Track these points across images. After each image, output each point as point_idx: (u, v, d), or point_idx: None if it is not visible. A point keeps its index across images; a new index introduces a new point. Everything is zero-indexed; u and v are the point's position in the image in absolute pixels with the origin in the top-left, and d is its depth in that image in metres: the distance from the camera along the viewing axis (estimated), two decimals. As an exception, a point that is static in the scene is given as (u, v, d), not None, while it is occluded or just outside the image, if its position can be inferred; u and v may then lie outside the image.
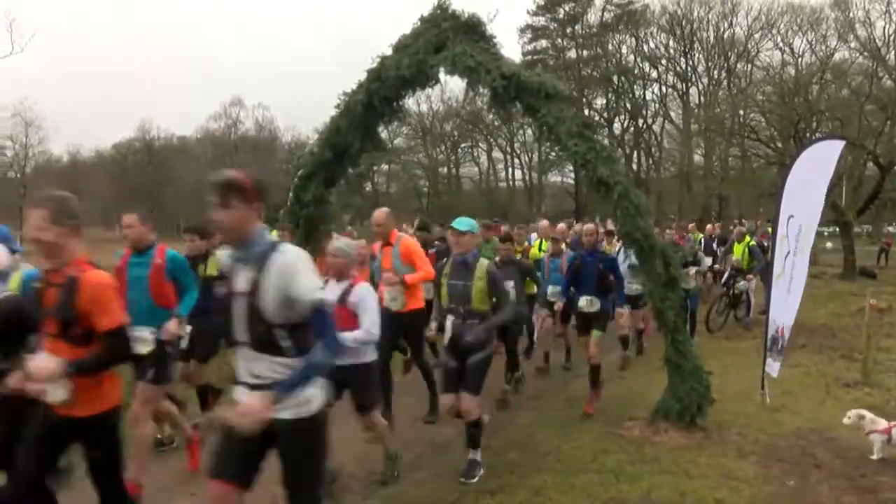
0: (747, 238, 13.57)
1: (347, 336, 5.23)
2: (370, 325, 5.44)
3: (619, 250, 10.55)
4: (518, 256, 10.05)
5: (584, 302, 7.99)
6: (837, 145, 8.38)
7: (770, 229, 9.91)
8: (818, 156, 7.92)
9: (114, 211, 70.41)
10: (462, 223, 5.90)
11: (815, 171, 7.81)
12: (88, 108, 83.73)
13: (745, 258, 13.16)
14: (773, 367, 7.81)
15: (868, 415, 6.32)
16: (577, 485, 5.56)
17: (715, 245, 16.03)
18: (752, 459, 6.16)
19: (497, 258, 8.45)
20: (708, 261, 14.96)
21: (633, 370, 9.77)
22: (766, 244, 14.11)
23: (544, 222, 12.88)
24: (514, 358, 8.77)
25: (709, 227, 17.85)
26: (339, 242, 5.74)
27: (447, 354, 5.97)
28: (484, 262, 5.86)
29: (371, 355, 5.62)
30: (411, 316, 7.16)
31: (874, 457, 6.12)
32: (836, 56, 40.08)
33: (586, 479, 5.67)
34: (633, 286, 10.00)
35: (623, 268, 9.61)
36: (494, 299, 5.87)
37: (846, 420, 6.40)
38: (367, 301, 5.50)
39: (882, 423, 6.20)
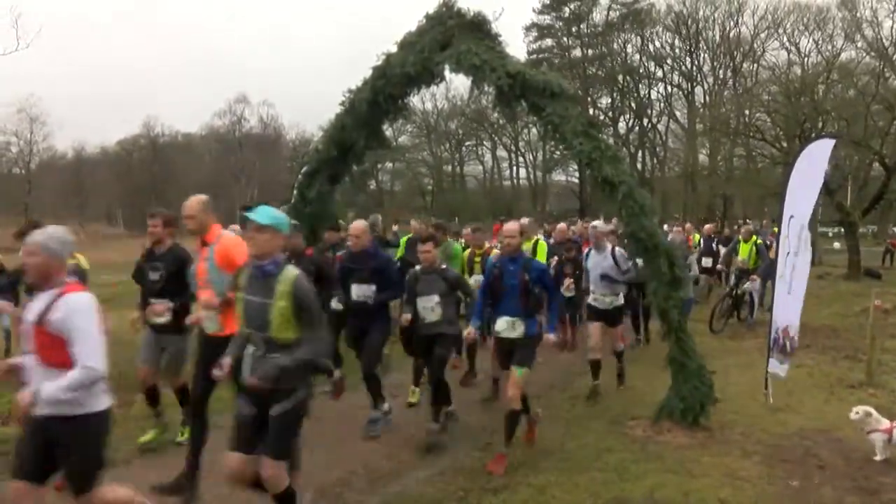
0: (754, 237, 13.46)
1: (53, 388, 3.66)
2: (87, 356, 3.72)
3: (588, 251, 9.09)
4: (477, 261, 9.35)
5: (502, 324, 6.22)
6: (828, 144, 8.48)
7: (776, 229, 9.81)
8: (814, 154, 7.99)
9: (118, 208, 70.74)
10: (263, 214, 4.23)
11: (811, 170, 7.88)
12: (92, 103, 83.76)
13: (751, 258, 13.04)
14: (780, 368, 7.79)
15: (875, 413, 6.31)
16: (580, 483, 5.56)
17: (715, 245, 15.86)
18: (755, 459, 6.15)
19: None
20: (707, 262, 14.84)
21: (636, 370, 9.72)
22: (768, 243, 14.01)
23: (523, 220, 11.12)
24: (444, 391, 6.97)
25: (707, 226, 17.57)
26: (36, 234, 3.91)
27: (242, 398, 4.39)
28: (291, 273, 4.22)
29: (96, 403, 3.89)
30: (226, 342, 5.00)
31: (877, 458, 6.10)
32: (843, 56, 39.99)
33: (590, 478, 5.67)
34: (606, 298, 8.53)
35: (611, 273, 8.52)
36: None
37: (853, 415, 6.36)
38: (79, 318, 3.76)
39: (885, 423, 6.19)
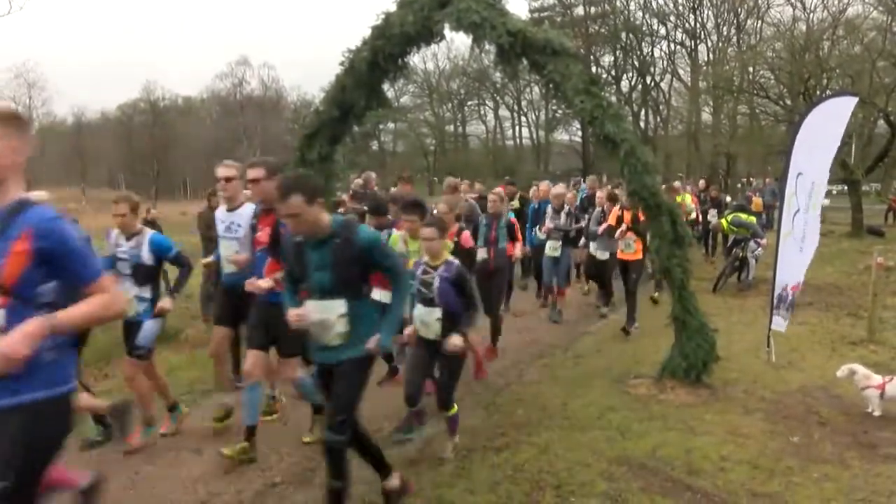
0: (727, 218, 13.50)
1: None
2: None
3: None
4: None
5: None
6: (850, 102, 8.23)
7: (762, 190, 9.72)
8: (830, 112, 7.81)
9: (120, 173, 70.59)
10: None
11: (825, 128, 7.69)
12: (91, 68, 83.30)
13: (730, 231, 13.23)
14: (781, 324, 7.79)
15: (860, 370, 6.34)
16: (583, 442, 5.61)
17: None
18: (757, 416, 6.19)
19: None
20: None
21: (639, 328, 9.75)
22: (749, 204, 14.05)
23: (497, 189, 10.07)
24: None
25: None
26: None
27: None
28: None
29: None
30: None
31: (875, 413, 6.15)
32: (849, 11, 39.36)
33: (593, 437, 5.72)
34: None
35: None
36: None
37: (839, 373, 6.45)
38: None
39: (877, 379, 6.22)
